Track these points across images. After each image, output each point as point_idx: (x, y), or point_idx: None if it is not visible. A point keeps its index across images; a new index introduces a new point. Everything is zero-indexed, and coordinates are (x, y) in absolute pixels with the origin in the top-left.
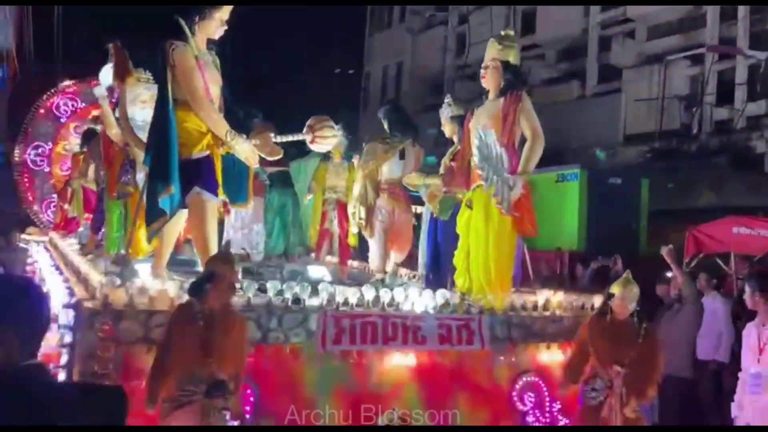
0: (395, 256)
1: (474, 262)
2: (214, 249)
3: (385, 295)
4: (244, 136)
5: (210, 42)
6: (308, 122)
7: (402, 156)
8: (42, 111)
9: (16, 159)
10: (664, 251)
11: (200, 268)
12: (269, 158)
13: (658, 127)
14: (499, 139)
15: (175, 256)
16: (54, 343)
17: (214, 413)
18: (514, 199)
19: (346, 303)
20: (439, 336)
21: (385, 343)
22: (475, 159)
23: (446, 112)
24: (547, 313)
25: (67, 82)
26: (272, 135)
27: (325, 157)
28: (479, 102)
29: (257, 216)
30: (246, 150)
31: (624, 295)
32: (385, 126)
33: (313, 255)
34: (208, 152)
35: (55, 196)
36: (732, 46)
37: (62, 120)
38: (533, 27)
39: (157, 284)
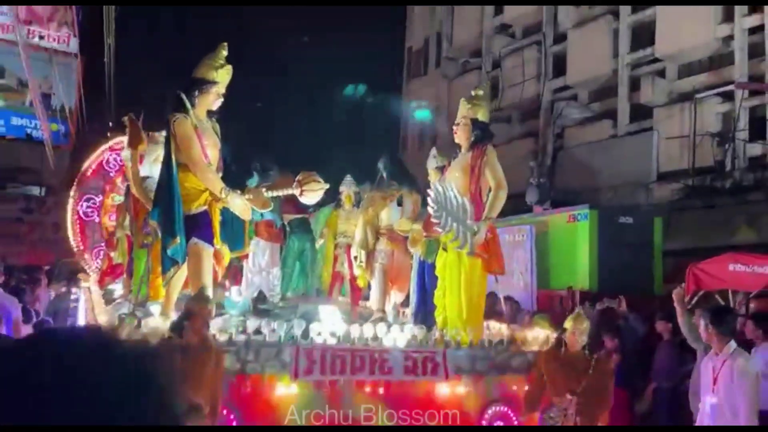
0: (396, 296)
1: (448, 300)
2: (208, 292)
3: (360, 331)
4: (239, 192)
5: (218, 110)
6: (297, 177)
7: (400, 203)
8: (94, 166)
9: (69, 210)
10: (674, 292)
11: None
12: (261, 210)
13: (692, 164)
14: (468, 189)
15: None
16: None
17: None
18: (479, 242)
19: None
20: (404, 367)
21: (353, 374)
22: (430, 209)
23: (432, 163)
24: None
25: (117, 139)
26: (264, 190)
27: (338, 204)
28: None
29: (274, 260)
30: (239, 205)
31: (575, 329)
32: (384, 176)
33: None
34: (205, 207)
35: (103, 244)
36: (761, 82)
37: (111, 174)
38: (564, 69)
39: (157, 322)
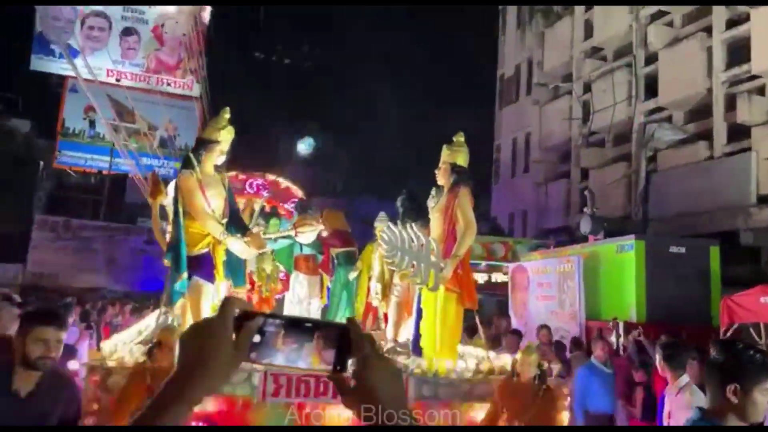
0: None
1: (425, 331)
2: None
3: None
4: (239, 235)
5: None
6: (294, 222)
7: None
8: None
9: None
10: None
11: None
12: (258, 251)
13: None
14: (442, 229)
15: None
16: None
17: None
18: (445, 278)
19: None
20: None
21: (316, 397)
22: (382, 250)
23: (431, 203)
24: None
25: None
26: (261, 233)
27: (374, 239)
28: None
29: (313, 292)
30: (236, 247)
31: (523, 360)
32: (400, 212)
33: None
34: (207, 249)
35: None
36: None
37: None
38: (656, 90)
39: None
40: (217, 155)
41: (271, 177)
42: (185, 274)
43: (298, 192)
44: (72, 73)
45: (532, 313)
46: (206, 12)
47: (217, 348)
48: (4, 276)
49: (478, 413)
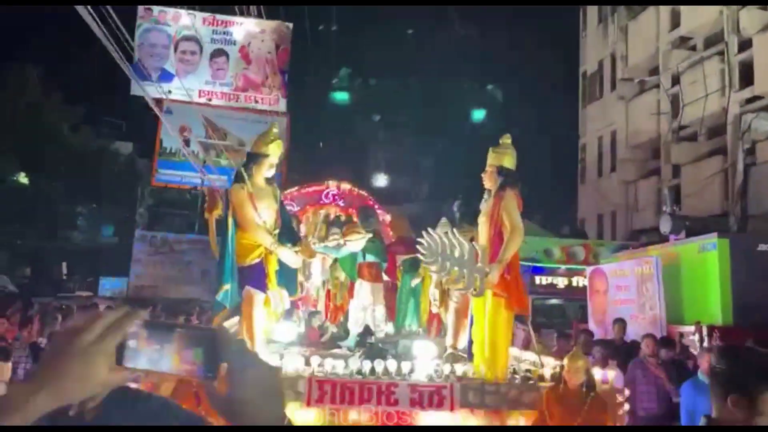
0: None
1: (475, 336)
2: (257, 332)
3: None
4: (289, 245)
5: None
6: (343, 230)
7: None
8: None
9: None
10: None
11: None
12: (308, 260)
13: None
14: (488, 233)
15: None
16: None
17: None
18: (491, 283)
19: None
20: (410, 400)
21: (360, 404)
22: (421, 257)
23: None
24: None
25: (290, 190)
26: (312, 242)
27: None
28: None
29: (377, 298)
30: (287, 256)
31: (570, 366)
32: (456, 217)
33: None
34: (259, 260)
35: None
36: None
37: None
38: (751, 78)
39: None
40: (267, 168)
41: (345, 186)
42: (227, 286)
43: (372, 200)
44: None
45: (611, 317)
46: (289, 29)
47: (73, 351)
48: (112, 288)
49: (526, 422)
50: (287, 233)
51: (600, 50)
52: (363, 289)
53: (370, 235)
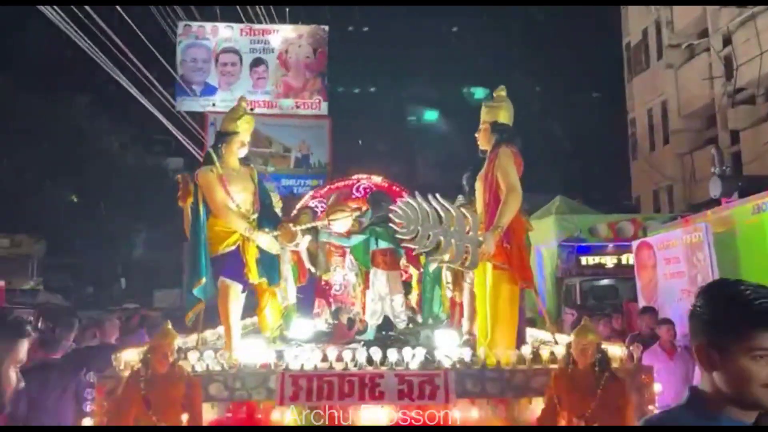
0: None
1: (477, 315)
2: (234, 324)
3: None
4: (266, 230)
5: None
6: (326, 210)
7: None
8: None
9: None
10: None
11: None
12: (289, 244)
13: None
14: (483, 198)
15: None
16: None
17: None
18: (487, 253)
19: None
20: (398, 391)
21: (341, 399)
22: (397, 227)
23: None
24: (536, 366)
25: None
26: (291, 225)
27: None
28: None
29: (395, 287)
30: (264, 241)
31: (578, 343)
32: (466, 190)
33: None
34: (234, 248)
35: None
36: None
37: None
38: None
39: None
40: (238, 147)
41: (376, 179)
42: (204, 280)
43: (406, 192)
44: (211, 109)
45: (662, 293)
46: (325, 32)
47: None
48: (165, 299)
49: (537, 409)
50: (268, 218)
51: (643, 18)
52: (378, 278)
53: (357, 213)
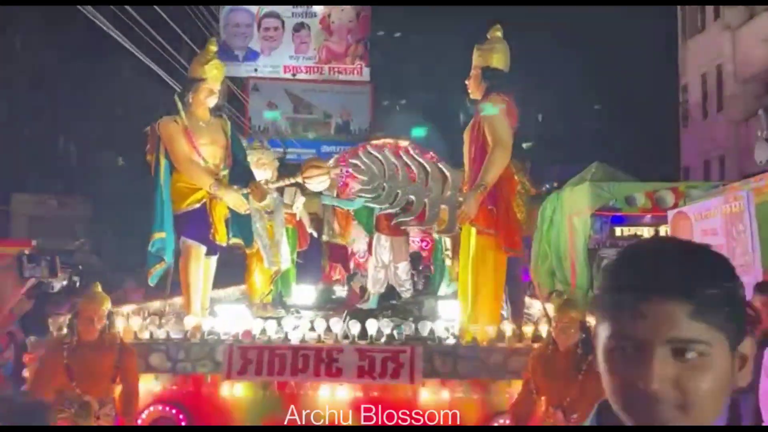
0: None
1: (459, 285)
2: (194, 286)
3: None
4: (234, 187)
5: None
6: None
7: None
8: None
9: None
10: None
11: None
12: (260, 203)
13: None
14: (469, 153)
15: None
16: None
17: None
18: (467, 215)
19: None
20: (358, 368)
21: (293, 375)
22: (356, 183)
23: None
24: (517, 345)
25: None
26: (263, 182)
27: None
28: None
29: (400, 255)
30: (231, 198)
31: (559, 320)
32: None
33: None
34: (198, 205)
35: None
36: None
37: None
38: None
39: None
40: (206, 95)
41: (403, 143)
42: (160, 234)
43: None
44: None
45: None
46: None
47: None
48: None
49: (515, 392)
50: (240, 174)
51: None
52: (381, 244)
53: (336, 171)
